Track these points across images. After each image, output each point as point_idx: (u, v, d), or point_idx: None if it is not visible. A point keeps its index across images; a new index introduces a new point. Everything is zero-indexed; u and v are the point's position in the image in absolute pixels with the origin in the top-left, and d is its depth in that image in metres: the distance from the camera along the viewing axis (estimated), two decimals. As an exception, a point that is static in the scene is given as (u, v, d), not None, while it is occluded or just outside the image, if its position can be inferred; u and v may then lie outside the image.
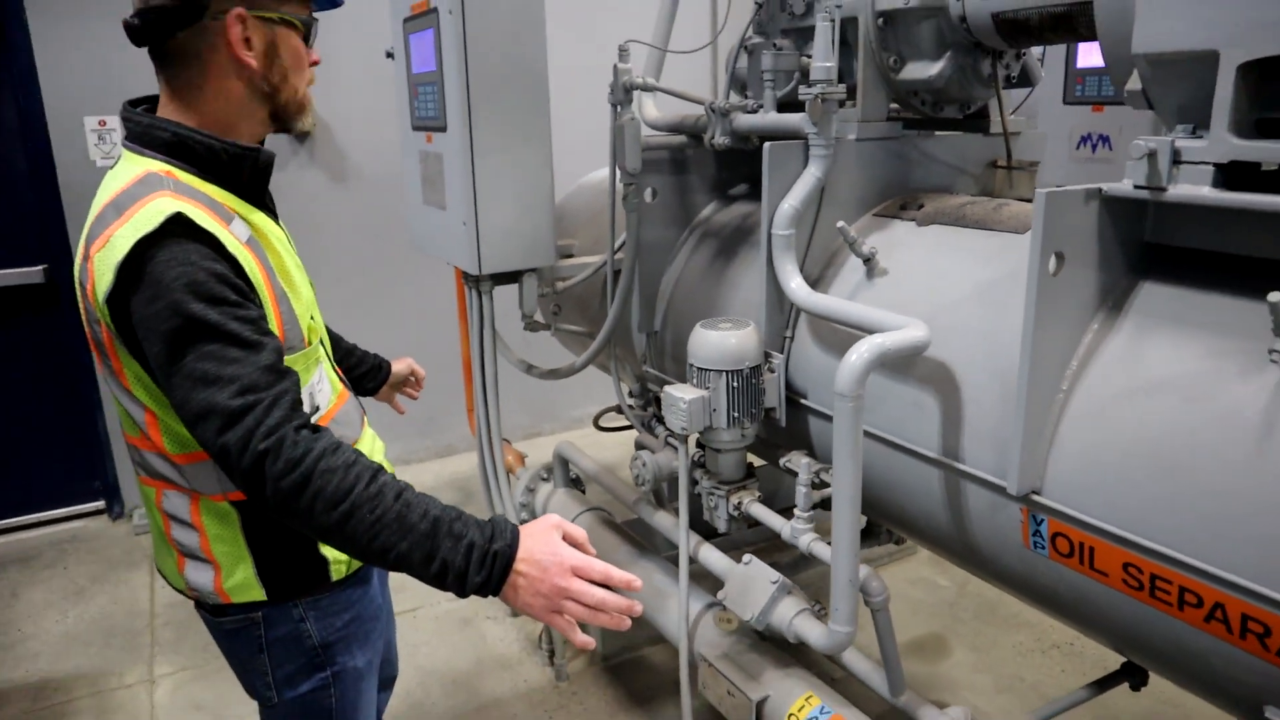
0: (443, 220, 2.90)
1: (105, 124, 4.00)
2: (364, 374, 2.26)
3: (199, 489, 1.50)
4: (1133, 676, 2.28)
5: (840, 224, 2.19)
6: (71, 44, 3.88)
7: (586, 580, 1.31)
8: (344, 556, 1.58)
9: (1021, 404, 1.69)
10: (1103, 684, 2.28)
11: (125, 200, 1.37)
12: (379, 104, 4.34)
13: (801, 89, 2.23)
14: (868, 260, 2.22)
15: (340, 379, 1.75)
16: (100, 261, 1.34)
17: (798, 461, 2.25)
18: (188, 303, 1.27)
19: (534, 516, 3.27)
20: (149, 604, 3.72)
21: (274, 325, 1.43)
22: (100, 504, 4.43)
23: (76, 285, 1.47)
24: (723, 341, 2.24)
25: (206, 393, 1.27)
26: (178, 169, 1.44)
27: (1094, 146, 4.53)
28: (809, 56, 2.56)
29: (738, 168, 3.01)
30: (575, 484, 3.31)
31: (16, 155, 4.01)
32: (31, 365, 4.21)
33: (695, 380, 2.29)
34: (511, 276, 2.85)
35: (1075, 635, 3.22)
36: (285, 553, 1.55)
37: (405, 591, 3.68)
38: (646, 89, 2.62)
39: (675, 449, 2.57)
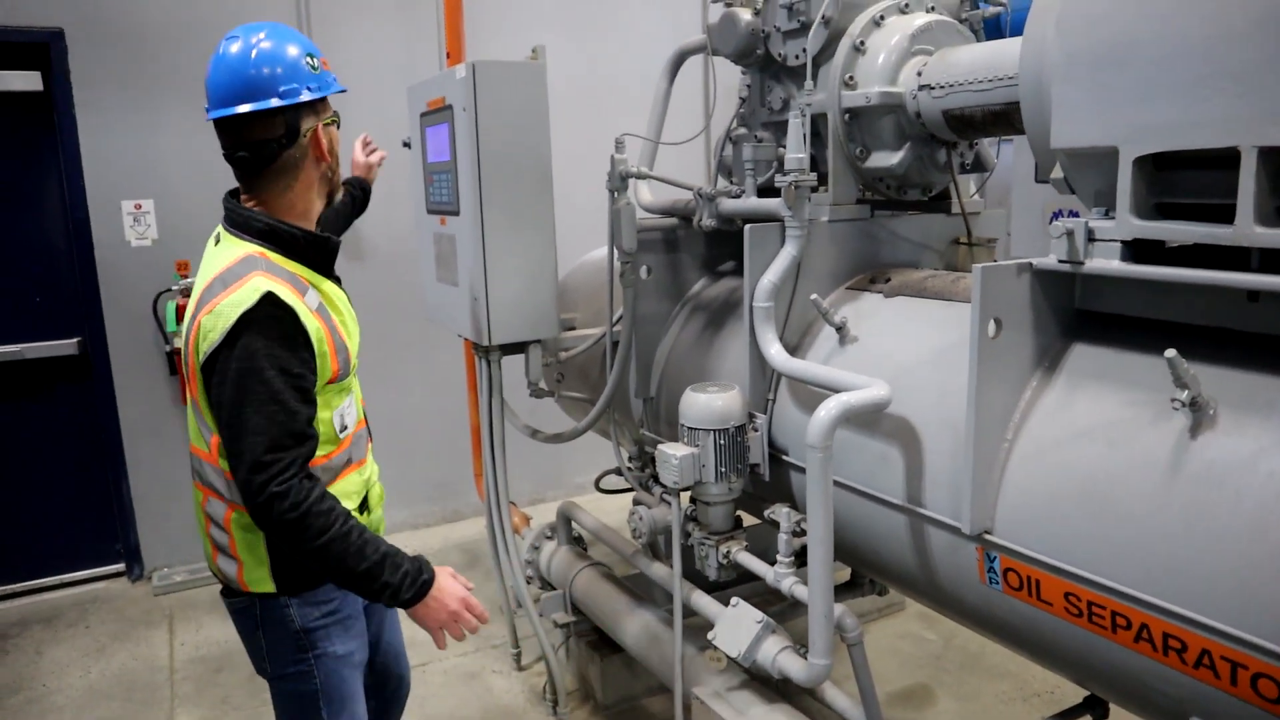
0: (455, 295, 3.16)
1: (140, 207, 4.31)
2: (354, 200, 2.91)
3: (235, 501, 1.88)
4: (1094, 709, 2.45)
5: (813, 297, 2.44)
6: (113, 134, 4.21)
7: (467, 613, 1.92)
8: None
9: (969, 452, 1.91)
10: (1066, 716, 2.45)
11: (230, 276, 1.80)
12: (393, 189, 4.66)
13: (778, 177, 2.51)
14: (839, 329, 2.46)
15: (362, 409, 2.17)
16: (206, 324, 1.77)
17: (779, 512, 2.46)
18: (264, 370, 1.73)
19: (539, 573, 3.47)
20: (168, 660, 3.88)
21: (330, 366, 1.89)
22: (121, 566, 4.61)
23: (183, 337, 1.90)
24: (710, 403, 2.48)
25: (249, 440, 1.73)
26: (268, 250, 1.88)
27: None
28: (784, 147, 2.86)
29: (725, 246, 3.28)
30: (577, 543, 3.51)
31: (58, 234, 4.31)
32: (63, 432, 4.44)
33: (686, 439, 2.51)
34: (518, 347, 3.10)
35: (1056, 683, 3.37)
36: (290, 557, 1.90)
37: (415, 647, 3.83)
38: (640, 177, 2.91)
39: (669, 504, 2.78)
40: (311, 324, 1.82)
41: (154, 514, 4.53)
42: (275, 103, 1.84)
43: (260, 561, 1.91)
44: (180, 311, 4.26)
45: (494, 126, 2.88)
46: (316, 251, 1.97)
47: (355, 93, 4.67)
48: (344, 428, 1.99)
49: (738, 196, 2.82)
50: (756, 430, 2.56)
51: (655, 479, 3.30)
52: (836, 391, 2.15)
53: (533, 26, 4.87)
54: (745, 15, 2.89)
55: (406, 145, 3.78)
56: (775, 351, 2.45)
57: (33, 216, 4.28)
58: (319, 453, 1.89)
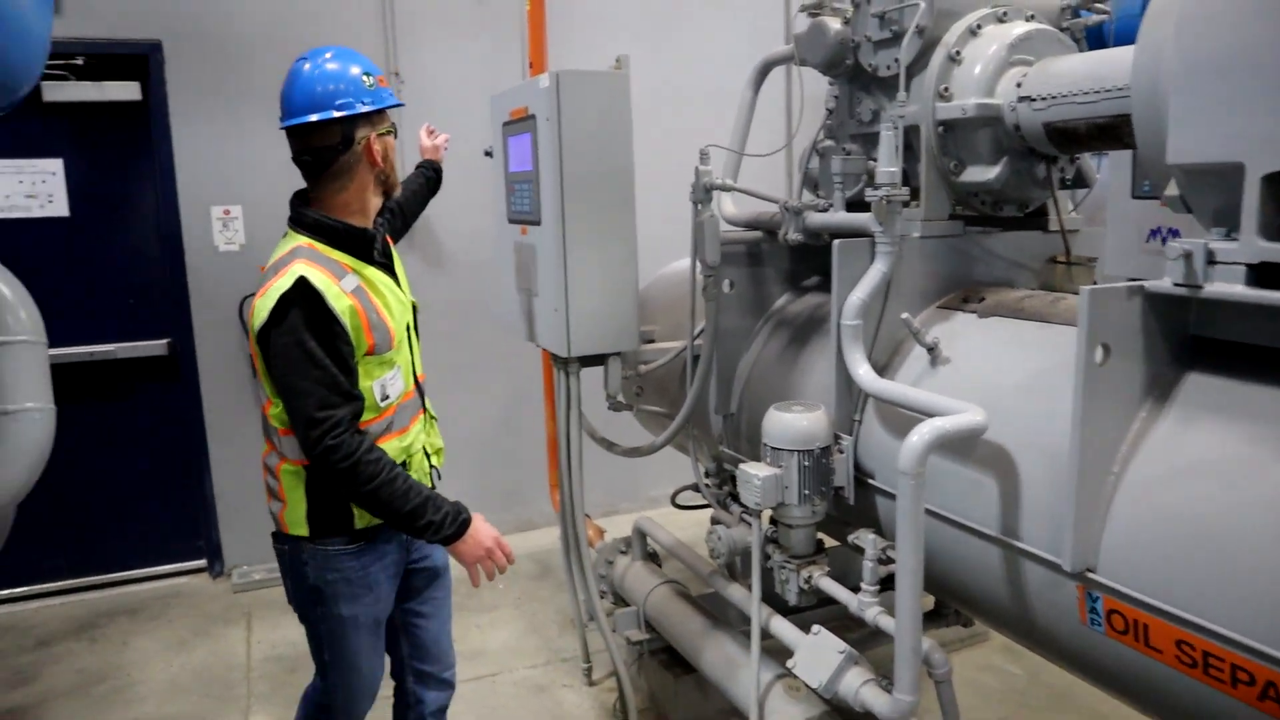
0: (535, 307, 3.15)
1: (229, 213, 4.41)
2: (428, 181, 3.26)
3: (285, 454, 2.22)
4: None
5: (904, 316, 2.36)
6: (204, 142, 4.33)
7: (499, 552, 2.23)
8: (364, 514, 2.22)
9: (1072, 485, 1.81)
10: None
11: (280, 265, 2.13)
12: (472, 198, 4.69)
13: (868, 191, 2.43)
14: (931, 349, 2.37)
15: (415, 381, 2.42)
16: (259, 305, 2.08)
17: (865, 538, 2.38)
18: (303, 341, 2.02)
19: (612, 588, 3.43)
20: (245, 658, 3.94)
21: (365, 340, 2.14)
22: (202, 562, 4.72)
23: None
24: (795, 423, 2.41)
25: (301, 401, 2.02)
26: (317, 242, 2.18)
27: (1164, 239, 4.61)
28: (874, 160, 2.78)
29: (810, 261, 3.20)
30: (651, 559, 3.46)
31: (151, 239, 4.44)
32: (150, 431, 4.57)
33: (769, 459, 2.45)
34: (597, 359, 3.07)
35: (1148, 726, 3.20)
36: (327, 506, 2.21)
37: (483, 658, 3.85)
38: (725, 189, 2.85)
39: (749, 524, 2.72)
40: (342, 304, 2.08)
41: (234, 513, 4.63)
42: (332, 114, 2.14)
43: (299, 504, 2.22)
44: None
45: (577, 136, 2.85)
46: (355, 242, 2.24)
47: (437, 102, 4.76)
48: (385, 398, 2.23)
49: (825, 210, 2.75)
50: (842, 452, 2.48)
51: (733, 497, 3.25)
52: (929, 416, 2.07)
53: (613, 37, 4.85)
54: (834, 25, 2.82)
55: (488, 154, 3.78)
56: (863, 372, 2.37)
57: (128, 221, 4.42)
58: (362, 416, 2.15)
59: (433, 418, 2.56)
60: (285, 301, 2.01)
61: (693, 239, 2.94)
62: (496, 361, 4.99)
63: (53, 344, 4.29)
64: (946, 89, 2.50)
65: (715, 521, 2.98)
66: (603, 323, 2.99)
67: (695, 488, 3.56)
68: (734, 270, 3.05)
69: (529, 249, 3.15)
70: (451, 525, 2.13)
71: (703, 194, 2.84)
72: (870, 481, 2.49)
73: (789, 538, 2.56)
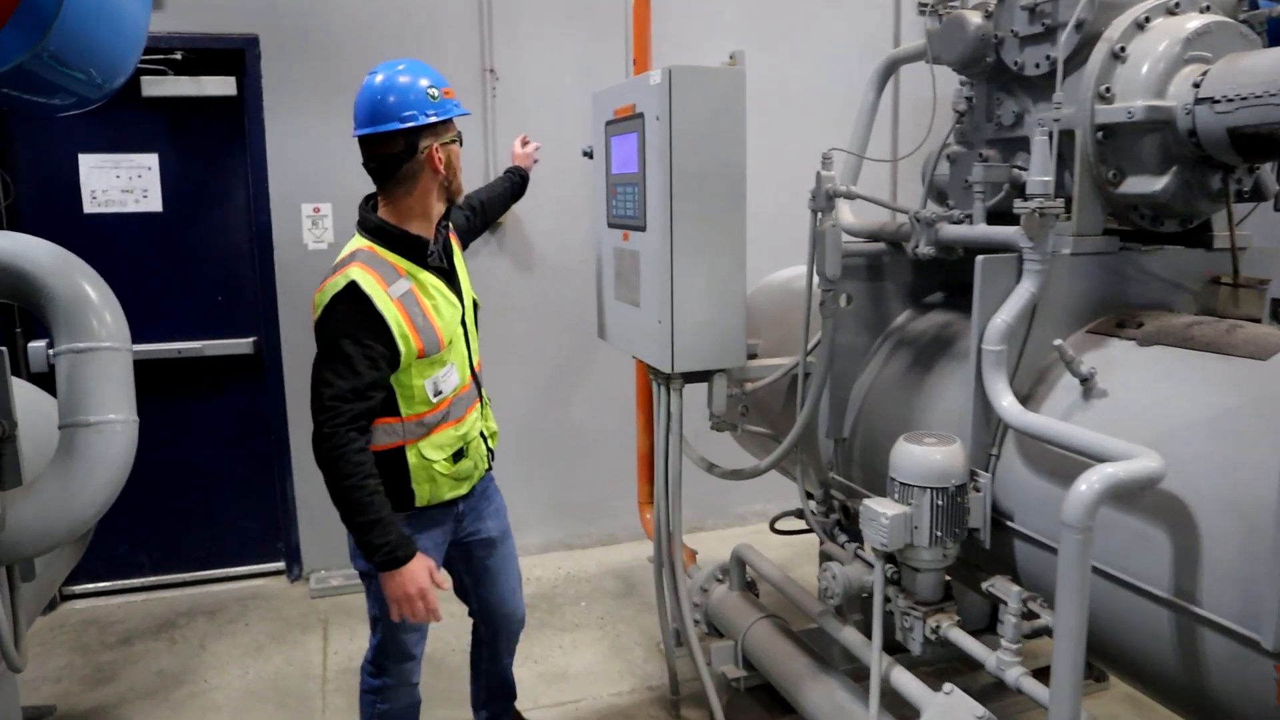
0: (636, 317, 2.97)
1: (319, 210, 4.33)
2: (513, 186, 3.33)
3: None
4: None
5: (1058, 342, 2.11)
6: (297, 138, 4.25)
7: (421, 602, 2.26)
8: (425, 489, 2.41)
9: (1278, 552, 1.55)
10: None
11: (340, 265, 2.32)
12: (566, 198, 4.54)
13: (1017, 202, 2.19)
14: (1085, 380, 2.12)
15: (472, 376, 2.57)
16: (317, 299, 2.30)
17: (1005, 589, 2.14)
18: (341, 337, 2.20)
19: (705, 617, 3.23)
20: (321, 669, 3.84)
21: (414, 344, 2.28)
22: (281, 565, 4.65)
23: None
24: (928, 457, 2.18)
25: (320, 388, 2.21)
26: (377, 245, 2.36)
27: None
28: (1018, 167, 2.53)
29: (933, 276, 2.97)
30: (749, 587, 3.25)
31: (241, 235, 4.38)
32: (234, 429, 4.52)
33: (897, 495, 2.22)
34: (700, 375, 2.87)
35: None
36: (392, 483, 2.32)
37: (565, 682, 3.68)
38: (850, 197, 2.63)
39: (866, 561, 2.49)
40: (388, 310, 2.23)
41: (315, 516, 4.54)
42: (395, 126, 2.30)
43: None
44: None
45: (689, 137, 2.66)
46: (411, 247, 2.38)
47: (532, 99, 4.61)
48: (438, 393, 2.38)
49: (960, 222, 2.51)
50: (979, 490, 2.24)
51: (841, 526, 3.03)
52: (1093, 459, 1.83)
53: (715, 34, 4.65)
54: (974, 19, 2.58)
55: (587, 155, 3.62)
56: (1008, 404, 2.13)
57: (220, 217, 4.37)
58: (413, 410, 2.34)
59: (487, 403, 2.71)
60: (336, 300, 2.22)
61: (810, 249, 2.72)
62: (582, 368, 4.83)
63: (141, 340, 4.34)
64: (1108, 89, 2.25)
65: (827, 557, 2.76)
66: (709, 337, 2.80)
67: (798, 514, 3.35)
68: (852, 284, 2.83)
69: (631, 256, 2.97)
70: (383, 555, 2.21)
71: (824, 201, 2.63)
72: (1009, 524, 2.25)
73: (915, 582, 2.33)
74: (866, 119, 3.02)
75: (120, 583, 4.48)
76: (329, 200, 4.34)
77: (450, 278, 2.51)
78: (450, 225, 2.61)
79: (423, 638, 2.64)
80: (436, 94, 2.35)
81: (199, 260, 4.36)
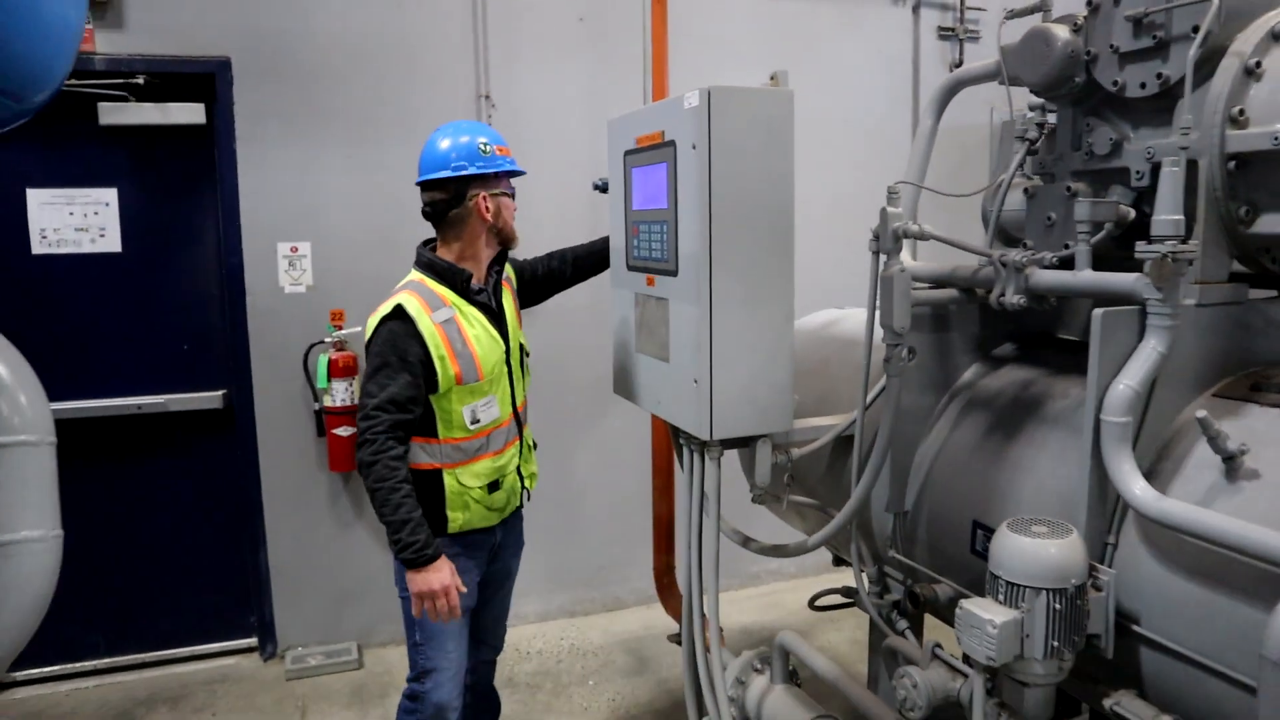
0: (664, 373, 2.58)
1: (297, 250, 3.93)
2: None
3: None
4: None
5: (1201, 414, 1.75)
6: (273, 170, 3.86)
7: (444, 599, 2.43)
8: (459, 516, 2.59)
9: None
10: None
11: (392, 292, 2.55)
12: (570, 236, 4.14)
13: (1140, 245, 1.84)
14: (1231, 458, 1.75)
15: (514, 415, 2.72)
16: (369, 322, 2.49)
17: (1138, 709, 1.76)
18: (387, 352, 2.42)
19: (742, 712, 2.82)
20: (299, 768, 3.39)
21: (451, 369, 2.49)
22: (253, 641, 4.20)
23: None
24: (1042, 552, 1.80)
25: (366, 398, 2.41)
26: (427, 277, 2.59)
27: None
28: (1117, 203, 2.18)
29: (1001, 325, 2.61)
30: (790, 676, 2.84)
31: (210, 279, 3.97)
32: (200, 492, 4.08)
33: (1002, 596, 1.84)
34: (742, 440, 2.49)
35: None
36: (427, 507, 2.50)
37: (578, 781, 3.24)
38: (922, 237, 2.26)
39: (948, 664, 2.10)
40: (429, 331, 2.46)
41: (291, 588, 4.10)
42: (444, 174, 2.56)
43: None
44: (333, 366, 3.83)
45: (731, 167, 2.30)
46: (455, 279, 2.58)
47: (532, 128, 4.22)
48: (475, 421, 2.56)
49: (1050, 265, 2.15)
50: (1100, 590, 1.86)
51: (899, 609, 2.65)
52: (1270, 561, 1.46)
53: (730, 62, 4.33)
54: (1061, 34, 2.22)
55: (600, 188, 3.26)
56: (1141, 490, 1.77)
57: (186, 258, 3.96)
58: (452, 434, 2.54)
59: (530, 446, 2.85)
60: (384, 320, 2.46)
61: (872, 297, 2.36)
62: (586, 419, 4.43)
63: (98, 394, 3.93)
64: (1241, 112, 1.91)
65: (892, 654, 2.36)
66: (754, 398, 2.41)
67: (845, 593, 2.96)
68: (915, 336, 2.45)
69: (658, 304, 2.59)
70: (412, 553, 2.38)
71: (891, 243, 2.26)
72: (1134, 628, 1.87)
73: (1021, 698, 1.93)
74: (924, 148, 2.67)
75: (69, 667, 4.00)
76: (307, 239, 3.94)
77: (497, 318, 2.66)
78: (505, 272, 2.79)
79: (458, 686, 2.70)
80: (489, 149, 2.59)
81: (162, 306, 3.94)
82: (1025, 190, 2.43)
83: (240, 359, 3.92)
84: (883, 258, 2.31)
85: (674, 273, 2.48)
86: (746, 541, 2.82)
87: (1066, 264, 2.15)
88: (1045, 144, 2.47)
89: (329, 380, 3.80)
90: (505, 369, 2.65)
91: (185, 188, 3.92)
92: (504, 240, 2.69)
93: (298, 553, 4.08)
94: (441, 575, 2.42)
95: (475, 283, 2.61)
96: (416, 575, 2.42)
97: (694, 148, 2.31)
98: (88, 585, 3.95)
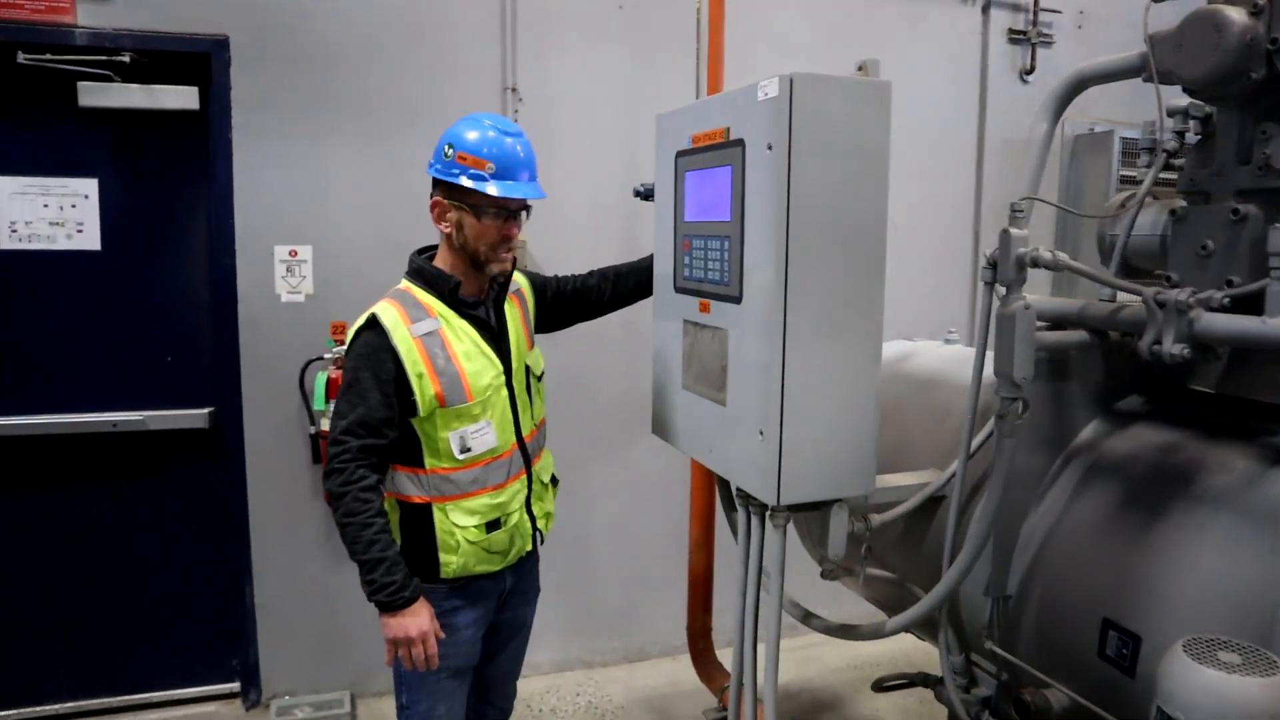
0: (718, 418, 2.15)
1: (296, 254, 3.51)
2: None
3: (387, 486, 2.25)
4: None
5: None
6: (272, 164, 3.44)
7: (420, 647, 2.16)
8: (452, 560, 2.24)
9: None
10: None
11: (377, 300, 2.26)
12: (602, 246, 3.73)
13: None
14: None
15: (519, 445, 2.34)
16: (349, 332, 2.25)
17: None
18: (358, 368, 2.17)
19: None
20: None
21: (431, 387, 2.17)
22: (235, 686, 3.77)
23: None
24: (1243, 693, 1.35)
25: (336, 421, 2.18)
26: (414, 285, 2.29)
27: None
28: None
29: (1123, 373, 2.17)
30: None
31: (199, 283, 3.56)
32: (180, 520, 3.65)
33: (1180, 744, 1.39)
34: (813, 505, 2.05)
35: None
36: (416, 548, 2.24)
37: None
38: (1057, 267, 1.82)
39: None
40: (403, 344, 2.16)
41: (279, 629, 3.68)
42: (430, 163, 2.28)
43: (396, 537, 2.25)
44: (332, 386, 3.41)
45: (816, 173, 1.88)
46: (444, 286, 2.26)
47: (564, 123, 3.72)
48: (465, 450, 2.22)
49: (1222, 307, 1.71)
50: (1306, 739, 1.42)
51: (989, 707, 2.21)
52: None
53: (784, 60, 3.89)
54: (1237, 18, 1.78)
55: (642, 195, 2.85)
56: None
57: (172, 259, 3.53)
58: (440, 464, 2.21)
59: (545, 483, 2.50)
60: (357, 332, 2.20)
61: (982, 336, 1.93)
62: (609, 449, 3.99)
63: (70, 408, 3.50)
64: None
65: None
66: (831, 454, 1.99)
67: (919, 680, 2.52)
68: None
69: (714, 336, 2.17)
70: (387, 596, 2.12)
71: (1014, 272, 1.82)
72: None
73: None
74: (1039, 158, 2.22)
75: (30, 711, 3.57)
76: (309, 242, 3.53)
77: (495, 335, 2.33)
78: (514, 284, 2.47)
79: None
80: (449, 153, 2.22)
81: (144, 311, 3.52)
82: (1172, 212, 1.99)
83: (229, 374, 3.50)
84: (997, 289, 1.87)
85: (736, 299, 2.06)
86: (807, 618, 2.39)
87: (1239, 305, 1.72)
88: (1193, 157, 2.03)
89: (327, 402, 3.38)
90: (504, 393, 2.31)
91: (174, 181, 3.50)
92: (477, 264, 2.27)
93: (287, 591, 3.65)
94: (419, 620, 2.15)
95: (467, 293, 2.28)
96: (391, 620, 2.14)
97: (770, 148, 1.89)
98: (52, 620, 3.54)
